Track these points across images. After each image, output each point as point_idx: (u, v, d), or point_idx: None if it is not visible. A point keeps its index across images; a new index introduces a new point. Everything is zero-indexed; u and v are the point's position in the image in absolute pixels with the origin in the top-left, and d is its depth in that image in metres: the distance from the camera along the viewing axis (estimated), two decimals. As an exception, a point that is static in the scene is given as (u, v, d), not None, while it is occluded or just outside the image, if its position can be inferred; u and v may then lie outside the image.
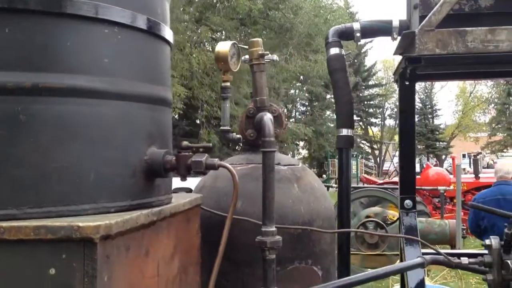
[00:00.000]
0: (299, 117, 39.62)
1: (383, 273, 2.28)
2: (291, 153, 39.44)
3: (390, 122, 46.29)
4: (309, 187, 2.21)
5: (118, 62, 1.43)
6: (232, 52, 2.27)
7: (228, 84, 2.39)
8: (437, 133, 41.57)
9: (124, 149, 1.43)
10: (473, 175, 12.73)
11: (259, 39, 1.99)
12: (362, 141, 42.22)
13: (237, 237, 2.06)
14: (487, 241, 1.98)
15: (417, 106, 43.50)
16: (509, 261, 1.89)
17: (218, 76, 26.07)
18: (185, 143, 1.58)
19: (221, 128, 2.38)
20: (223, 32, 29.38)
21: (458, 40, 2.39)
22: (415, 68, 2.64)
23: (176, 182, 1.77)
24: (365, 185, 15.55)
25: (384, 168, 34.43)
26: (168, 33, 1.68)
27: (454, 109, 46.58)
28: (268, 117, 1.86)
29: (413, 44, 2.41)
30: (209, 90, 26.33)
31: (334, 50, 2.77)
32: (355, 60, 39.52)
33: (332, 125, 39.01)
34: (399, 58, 2.77)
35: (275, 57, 2.18)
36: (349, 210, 2.68)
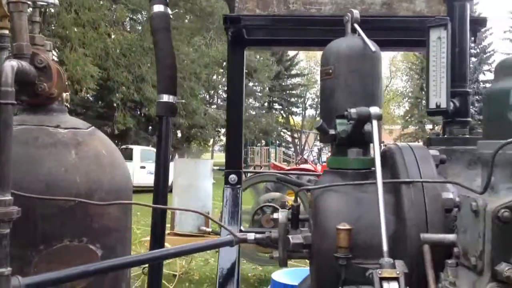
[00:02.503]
0: (221, 103, 39.33)
1: (188, 250, 2.05)
2: (212, 139, 39.17)
3: (311, 112, 47.16)
4: (93, 154, 1.92)
5: None
6: (10, -6, 1.92)
7: (6, 32, 2.03)
8: (355, 124, 42.75)
9: None
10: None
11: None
12: (283, 130, 42.69)
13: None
14: (275, 215, 1.79)
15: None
16: (290, 237, 1.72)
17: (135, 58, 25.20)
18: None
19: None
20: (143, 12, 28.37)
21: (280, 0, 2.19)
22: (240, 31, 2.42)
23: None
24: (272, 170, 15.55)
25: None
26: None
27: (371, 102, 48.11)
28: (9, 64, 1.54)
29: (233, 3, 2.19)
30: (125, 72, 25.37)
31: (158, 8, 2.49)
32: (278, 49, 39.73)
33: (253, 112, 39.08)
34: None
35: None
36: (166, 183, 2.42)
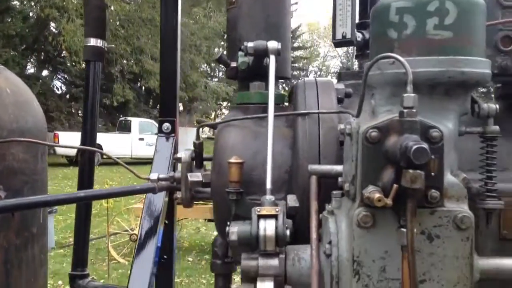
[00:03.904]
0: (222, 76, 39.09)
1: (104, 194, 1.99)
2: (214, 112, 39.07)
3: (313, 85, 46.73)
4: (-7, 92, 1.84)
5: None
6: None
7: None
8: (356, 96, 42.37)
9: None
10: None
11: None
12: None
13: None
14: (179, 154, 1.71)
15: (338, 71, 44.18)
16: (189, 175, 1.64)
17: (134, 29, 24.96)
18: None
19: None
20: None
21: None
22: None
23: None
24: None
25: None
26: None
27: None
28: None
29: None
30: (124, 43, 25.17)
31: None
32: (280, 21, 39.21)
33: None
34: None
35: None
36: (94, 128, 2.35)
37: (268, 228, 1.26)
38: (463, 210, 1.12)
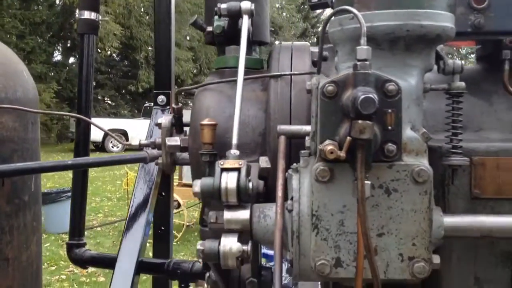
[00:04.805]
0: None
1: (96, 162, 2.03)
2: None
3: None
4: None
5: None
6: None
7: None
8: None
9: None
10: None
11: None
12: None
13: None
14: (159, 120, 1.72)
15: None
16: (167, 139, 1.64)
17: (157, 15, 25.06)
18: None
19: None
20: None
21: None
22: None
23: None
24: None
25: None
26: None
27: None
28: None
29: None
30: (148, 30, 25.35)
31: None
32: (304, 6, 38.83)
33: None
34: None
35: None
36: (89, 97, 2.37)
37: (230, 180, 1.26)
38: (421, 164, 1.10)
